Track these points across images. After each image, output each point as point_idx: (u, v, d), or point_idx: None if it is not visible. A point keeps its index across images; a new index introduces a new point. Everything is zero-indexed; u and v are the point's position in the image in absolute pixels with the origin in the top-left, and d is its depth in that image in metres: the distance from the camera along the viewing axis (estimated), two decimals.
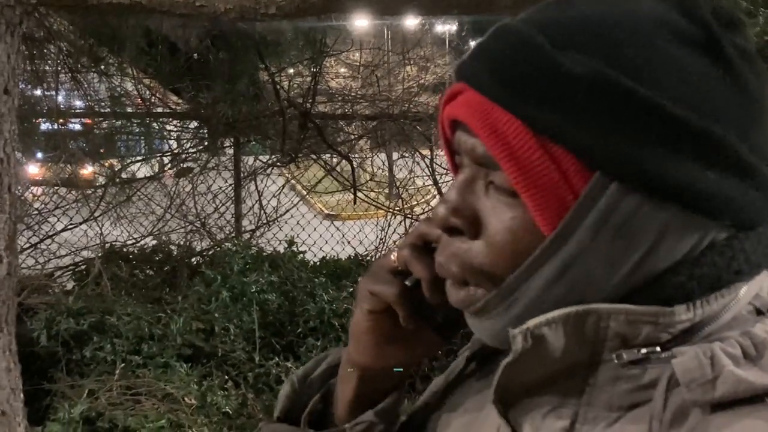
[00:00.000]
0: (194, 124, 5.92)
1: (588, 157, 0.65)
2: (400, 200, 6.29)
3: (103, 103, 5.58)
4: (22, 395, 2.43)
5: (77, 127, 6.11)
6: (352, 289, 4.69)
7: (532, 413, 0.73)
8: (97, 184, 5.94)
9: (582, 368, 0.69)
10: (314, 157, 5.94)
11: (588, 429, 0.69)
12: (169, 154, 6.19)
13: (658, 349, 0.67)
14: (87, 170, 6.03)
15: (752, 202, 0.67)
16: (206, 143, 5.90)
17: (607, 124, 0.64)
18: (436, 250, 0.77)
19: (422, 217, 6.28)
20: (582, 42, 0.66)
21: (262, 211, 6.13)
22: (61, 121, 5.53)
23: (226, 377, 3.95)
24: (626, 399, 0.68)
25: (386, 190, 6.83)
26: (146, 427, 3.42)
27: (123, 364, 3.89)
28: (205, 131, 5.82)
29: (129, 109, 5.71)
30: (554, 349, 0.68)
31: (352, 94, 6.32)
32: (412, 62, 6.89)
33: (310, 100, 5.36)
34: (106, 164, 6.00)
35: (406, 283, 0.81)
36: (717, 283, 0.67)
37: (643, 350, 0.67)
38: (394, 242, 6.13)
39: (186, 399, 3.63)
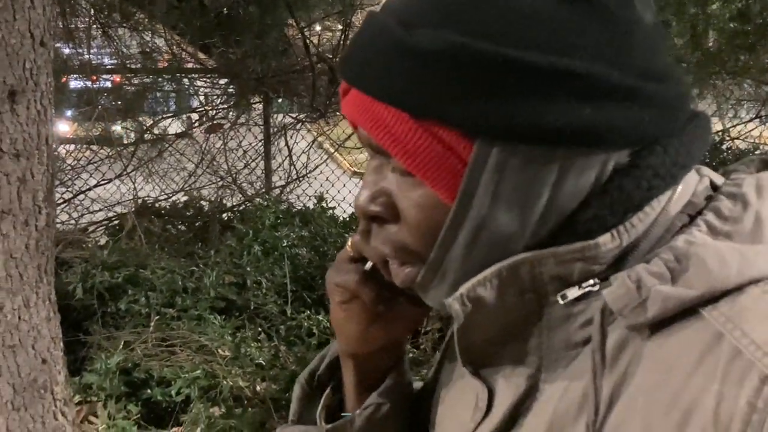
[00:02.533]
0: (224, 80, 5.93)
1: (464, 126, 0.66)
2: None
3: (133, 59, 5.59)
4: (62, 344, 2.49)
5: (107, 84, 6.14)
6: None
7: (501, 367, 0.76)
8: (128, 141, 5.99)
9: (533, 315, 0.71)
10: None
11: (552, 369, 0.72)
12: (199, 110, 6.21)
13: (592, 281, 0.68)
14: (118, 127, 6.08)
15: (640, 121, 0.67)
16: (235, 99, 5.91)
17: (469, 90, 0.65)
18: None
19: None
20: (430, 17, 0.67)
21: (292, 167, 6.15)
22: (92, 78, 5.55)
23: (259, 330, 4.00)
24: (578, 335, 0.70)
25: None
26: (181, 377, 3.48)
27: (157, 317, 3.95)
28: (234, 87, 5.82)
29: (159, 66, 5.72)
30: (496, 305, 0.70)
31: None
32: None
33: (340, 55, 5.33)
34: (137, 121, 6.04)
35: (365, 268, 0.83)
36: (633, 205, 0.68)
37: (583, 284, 0.68)
38: None
39: (220, 350, 3.68)
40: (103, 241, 5.16)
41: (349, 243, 0.84)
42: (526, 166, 0.66)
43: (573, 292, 0.69)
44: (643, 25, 0.68)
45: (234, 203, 5.84)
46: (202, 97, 6.24)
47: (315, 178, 6.24)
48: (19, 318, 2.23)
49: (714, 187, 0.73)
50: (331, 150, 6.80)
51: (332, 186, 6.24)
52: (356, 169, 7.46)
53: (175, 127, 6.13)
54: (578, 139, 0.65)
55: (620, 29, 0.67)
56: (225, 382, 3.48)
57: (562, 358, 0.71)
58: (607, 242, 0.67)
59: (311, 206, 5.49)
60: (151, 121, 6.03)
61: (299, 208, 5.50)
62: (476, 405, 0.77)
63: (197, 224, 5.47)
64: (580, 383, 0.68)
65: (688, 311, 0.62)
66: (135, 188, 5.62)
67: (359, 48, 0.72)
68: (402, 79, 0.67)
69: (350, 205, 6.05)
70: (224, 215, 5.62)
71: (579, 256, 0.67)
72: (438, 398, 0.90)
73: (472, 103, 0.65)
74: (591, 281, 0.68)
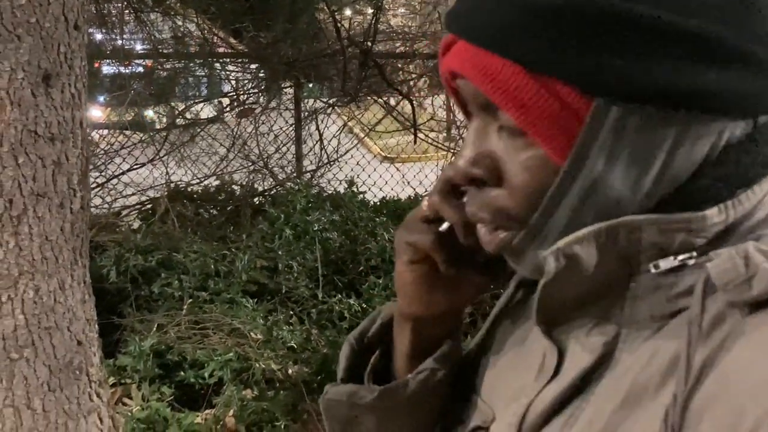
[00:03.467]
0: (255, 65, 5.93)
1: (584, 83, 0.65)
2: (461, 139, 6.24)
3: (165, 44, 5.62)
4: (96, 326, 2.51)
5: (139, 69, 6.18)
6: None
7: (575, 331, 0.74)
8: (160, 125, 6.03)
9: (621, 281, 0.69)
10: (374, 97, 5.92)
11: (632, 339, 0.70)
12: (230, 95, 6.22)
13: (693, 254, 0.66)
14: (150, 112, 6.11)
15: (763, 91, 0.66)
16: (266, 84, 5.92)
17: (595, 46, 0.64)
18: (464, 193, 0.78)
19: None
20: None
21: (323, 151, 6.15)
22: (125, 63, 5.59)
23: (291, 313, 4.02)
24: (666, 307, 0.68)
25: (445, 132, 6.79)
26: (214, 360, 3.51)
27: (190, 300, 3.98)
28: (265, 72, 5.83)
29: (191, 51, 5.74)
30: (589, 265, 0.68)
31: (413, 32, 6.25)
32: None
33: (371, 39, 5.32)
34: (169, 106, 6.07)
35: (440, 229, 0.81)
36: (745, 180, 0.67)
37: (680, 257, 0.66)
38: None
39: (252, 333, 3.70)
40: (136, 225, 5.20)
41: (426, 202, 0.82)
42: (645, 129, 0.65)
43: (667, 263, 0.67)
44: None
45: (265, 187, 5.85)
46: (233, 82, 6.25)
47: (346, 163, 6.24)
48: (55, 300, 2.25)
49: None
50: (361, 135, 6.79)
51: (363, 170, 6.24)
52: (386, 154, 7.44)
53: (207, 111, 6.16)
54: (701, 103, 0.64)
55: None
56: (257, 365, 3.50)
57: (644, 328, 0.69)
58: (714, 216, 0.66)
59: (342, 191, 5.49)
60: (183, 106, 6.06)
61: (330, 192, 5.50)
62: (542, 366, 0.76)
63: (229, 208, 5.50)
64: (665, 355, 0.66)
65: None
66: (167, 173, 5.66)
67: (472, 0, 0.70)
68: (522, 31, 0.66)
69: (380, 189, 6.06)
70: (255, 199, 5.64)
71: (684, 227, 0.66)
72: (486, 364, 0.88)
73: (595, 60, 0.64)
74: (689, 254, 0.66)
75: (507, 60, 0.67)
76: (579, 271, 0.69)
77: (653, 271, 0.68)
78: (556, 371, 0.74)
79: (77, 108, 2.22)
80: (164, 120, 6.07)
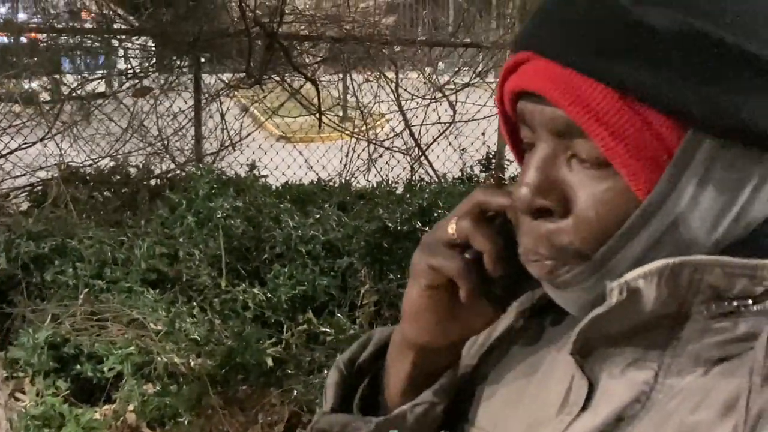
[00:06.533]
0: (153, 42, 5.74)
1: (679, 114, 0.62)
2: (364, 124, 6.21)
3: (59, 19, 5.37)
4: None
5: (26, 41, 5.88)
6: (318, 216, 4.64)
7: (610, 365, 0.70)
8: (52, 100, 5.76)
9: (669, 320, 0.67)
10: (278, 79, 5.81)
11: (672, 381, 0.67)
12: (128, 72, 6.00)
13: (750, 301, 0.64)
14: (35, 84, 5.83)
15: None
16: (166, 62, 5.73)
17: (697, 77, 0.61)
18: (494, 218, 0.76)
19: (386, 142, 6.24)
20: None
21: (225, 134, 6.01)
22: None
23: (193, 303, 3.90)
24: (715, 352, 0.66)
25: (340, 113, 6.76)
26: (114, 354, 3.38)
27: (86, 289, 3.82)
28: (165, 50, 5.65)
29: (87, 25, 5.50)
30: (647, 301, 0.65)
31: (318, 14, 6.16)
32: None
33: (277, 20, 5.21)
34: (56, 81, 5.80)
35: (466, 255, 0.76)
36: None
37: (734, 302, 0.64)
38: (358, 168, 6.08)
39: (153, 325, 3.58)
40: (24, 207, 4.97)
41: (454, 225, 0.76)
42: (733, 166, 0.63)
43: (721, 307, 0.65)
44: None
45: (163, 170, 5.68)
46: (130, 60, 6.02)
47: (248, 146, 6.12)
48: None
49: None
50: (262, 118, 6.66)
51: (265, 154, 6.12)
52: (285, 134, 7.29)
53: (102, 89, 5.92)
54: None
55: None
56: (159, 358, 3.39)
57: (687, 372, 0.67)
58: None
59: (243, 174, 5.38)
60: (76, 83, 5.80)
61: (231, 176, 5.38)
62: (567, 398, 0.72)
63: (124, 191, 5.31)
64: (718, 398, 0.63)
65: None
66: (61, 152, 5.41)
67: (560, 17, 0.66)
68: (622, 55, 0.62)
69: (283, 173, 5.96)
70: (153, 182, 5.47)
71: (750, 273, 0.64)
72: (483, 394, 0.84)
73: (698, 91, 0.61)
74: (747, 300, 0.64)
75: (599, 83, 0.63)
76: (635, 307, 0.66)
77: (705, 313, 0.65)
78: (585, 405, 0.71)
79: None
80: (53, 95, 5.79)
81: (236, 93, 6.24)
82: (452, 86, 6.47)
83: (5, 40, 5.61)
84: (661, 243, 0.65)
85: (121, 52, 5.95)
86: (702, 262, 0.64)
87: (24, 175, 5.33)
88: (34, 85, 5.80)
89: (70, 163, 5.40)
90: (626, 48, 0.62)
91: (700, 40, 0.61)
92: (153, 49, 5.80)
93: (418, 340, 0.82)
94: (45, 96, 5.79)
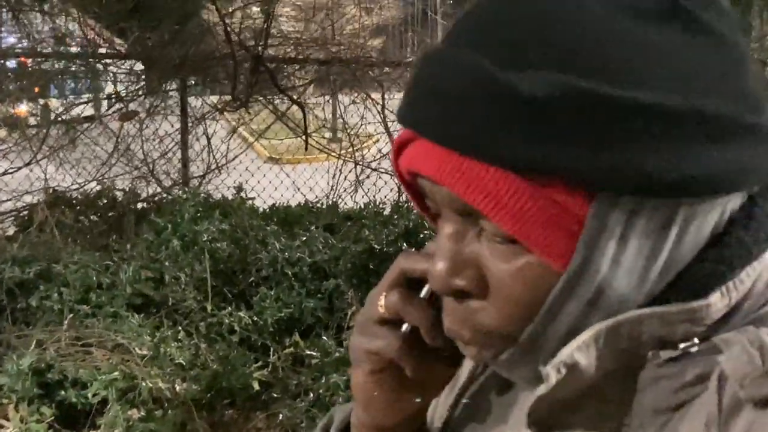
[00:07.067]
0: (140, 66, 5.74)
1: (582, 180, 0.58)
2: (351, 146, 6.22)
3: (45, 44, 5.37)
4: None
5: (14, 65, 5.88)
6: (305, 238, 4.64)
7: (573, 430, 0.68)
8: (37, 125, 5.75)
9: (620, 377, 0.64)
10: (264, 101, 5.81)
11: None
12: (113, 96, 6.00)
13: (696, 340, 0.61)
14: (22, 109, 5.82)
15: (762, 161, 0.62)
16: (151, 86, 5.73)
17: (590, 140, 0.57)
18: (421, 283, 0.72)
19: (373, 163, 6.24)
20: (533, 55, 0.58)
21: (211, 157, 6.01)
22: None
23: (178, 327, 3.89)
24: (672, 399, 0.62)
25: (329, 135, 6.77)
26: (98, 380, 3.35)
27: (71, 314, 3.80)
28: (151, 74, 5.65)
29: (73, 50, 5.50)
30: (589, 369, 0.62)
31: (304, 37, 6.18)
32: (362, 3, 6.76)
33: (262, 44, 5.22)
34: (45, 105, 5.80)
35: (402, 331, 0.73)
36: (747, 259, 0.62)
37: (681, 346, 0.61)
38: (345, 190, 6.08)
39: (138, 350, 3.56)
40: (11, 232, 4.95)
41: (382, 302, 0.73)
42: (651, 221, 0.59)
43: (668, 353, 0.62)
44: (747, 52, 0.63)
45: (149, 193, 5.67)
46: (118, 84, 6.02)
47: (234, 168, 6.11)
48: None
49: None
50: (251, 139, 6.67)
51: (252, 176, 6.12)
52: (273, 155, 7.30)
53: (88, 113, 5.92)
54: (705, 186, 0.59)
55: (735, 59, 0.61)
56: (144, 383, 3.37)
57: (648, 424, 0.63)
58: (718, 301, 0.61)
59: (230, 196, 5.37)
60: (62, 108, 5.80)
61: (218, 199, 5.37)
62: None
63: (111, 215, 5.29)
64: None
65: None
66: (45, 177, 5.40)
67: (435, 93, 0.61)
68: (506, 132, 0.57)
69: (270, 195, 5.96)
70: (139, 205, 5.46)
71: (688, 317, 0.61)
72: None
73: (592, 155, 0.57)
74: (691, 342, 0.61)
75: (487, 164, 0.59)
76: (579, 377, 0.63)
77: (654, 362, 0.62)
78: None
79: None
80: (40, 120, 5.78)
81: (224, 115, 6.24)
82: None
83: None
84: (591, 310, 0.61)
85: (107, 76, 5.95)
86: (637, 317, 0.61)
87: (10, 200, 5.31)
88: (23, 108, 5.79)
89: (56, 188, 5.38)
90: (511, 124, 0.57)
91: (585, 99, 0.57)
92: (139, 72, 5.80)
93: (373, 423, 0.79)
94: (32, 120, 5.78)
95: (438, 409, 0.83)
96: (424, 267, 0.70)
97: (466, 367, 0.80)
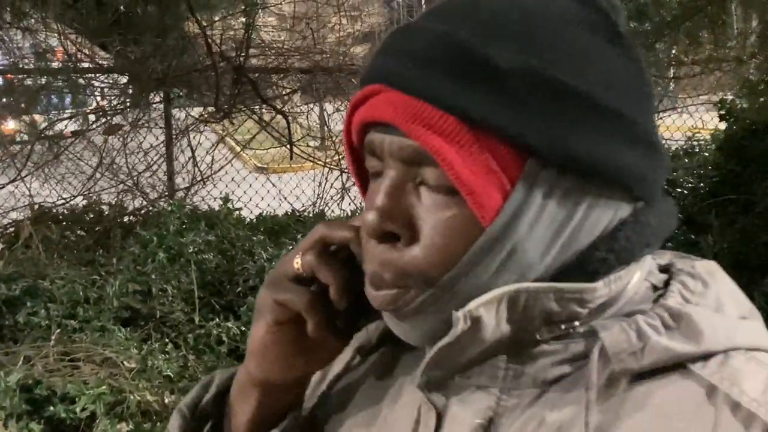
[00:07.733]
0: (123, 79, 5.74)
1: (520, 144, 0.66)
2: (337, 154, 6.23)
3: (27, 60, 5.36)
4: None
5: None
6: (291, 247, 4.64)
7: (459, 392, 0.73)
8: (21, 141, 5.74)
9: (507, 347, 0.70)
10: (248, 112, 5.82)
11: (513, 404, 0.71)
12: (96, 110, 5.99)
13: (576, 323, 0.69)
14: (9, 127, 5.82)
15: (658, 176, 0.72)
16: (135, 99, 5.73)
17: (535, 110, 0.65)
18: (337, 252, 0.77)
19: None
20: (504, 34, 0.67)
21: (196, 168, 6.01)
22: None
23: (166, 340, 3.89)
24: (549, 373, 0.70)
25: (317, 143, 6.77)
26: (86, 394, 3.35)
27: (59, 330, 3.79)
28: (134, 87, 5.65)
29: (55, 65, 5.50)
30: (487, 329, 0.68)
31: (286, 46, 6.20)
32: (344, 12, 6.78)
33: (243, 54, 5.23)
34: (31, 122, 5.79)
35: (312, 289, 0.77)
36: (630, 257, 0.70)
37: (563, 326, 0.69)
38: (331, 198, 6.09)
39: (126, 363, 3.56)
40: None
41: (299, 260, 0.78)
42: (568, 196, 0.67)
43: (553, 331, 0.69)
44: (647, 68, 0.74)
45: (135, 207, 5.66)
46: (99, 98, 6.02)
47: (220, 179, 6.11)
48: None
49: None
50: (236, 150, 6.67)
51: (238, 186, 6.12)
52: (260, 164, 7.31)
53: (72, 128, 5.91)
54: (615, 176, 0.68)
55: (646, 83, 0.73)
56: (132, 397, 3.37)
57: (527, 394, 0.70)
58: (602, 288, 0.69)
59: (216, 208, 5.37)
60: (46, 123, 5.79)
61: (204, 210, 5.37)
62: (416, 430, 0.74)
63: (97, 230, 5.28)
64: (555, 420, 0.68)
65: (676, 365, 0.66)
66: (30, 193, 5.39)
67: (404, 51, 0.69)
68: (470, 90, 0.66)
69: (257, 205, 5.96)
70: (125, 219, 5.45)
71: (578, 297, 0.68)
72: (334, 422, 0.85)
73: (533, 123, 0.65)
74: (575, 323, 0.69)
75: (451, 115, 0.66)
76: (478, 335, 0.68)
77: (537, 337, 0.69)
78: None
79: None
80: (25, 137, 5.77)
81: (209, 126, 6.24)
82: None
83: None
84: (503, 270, 0.68)
85: (90, 90, 5.94)
86: (537, 289, 0.67)
87: None
88: (11, 125, 5.79)
89: (42, 203, 5.37)
90: (471, 81, 0.66)
91: (537, 77, 0.66)
92: (122, 86, 5.81)
93: (263, 377, 0.82)
94: (9, 129, 5.78)
95: (309, 394, 0.89)
96: (342, 235, 0.76)
97: (339, 361, 0.85)
